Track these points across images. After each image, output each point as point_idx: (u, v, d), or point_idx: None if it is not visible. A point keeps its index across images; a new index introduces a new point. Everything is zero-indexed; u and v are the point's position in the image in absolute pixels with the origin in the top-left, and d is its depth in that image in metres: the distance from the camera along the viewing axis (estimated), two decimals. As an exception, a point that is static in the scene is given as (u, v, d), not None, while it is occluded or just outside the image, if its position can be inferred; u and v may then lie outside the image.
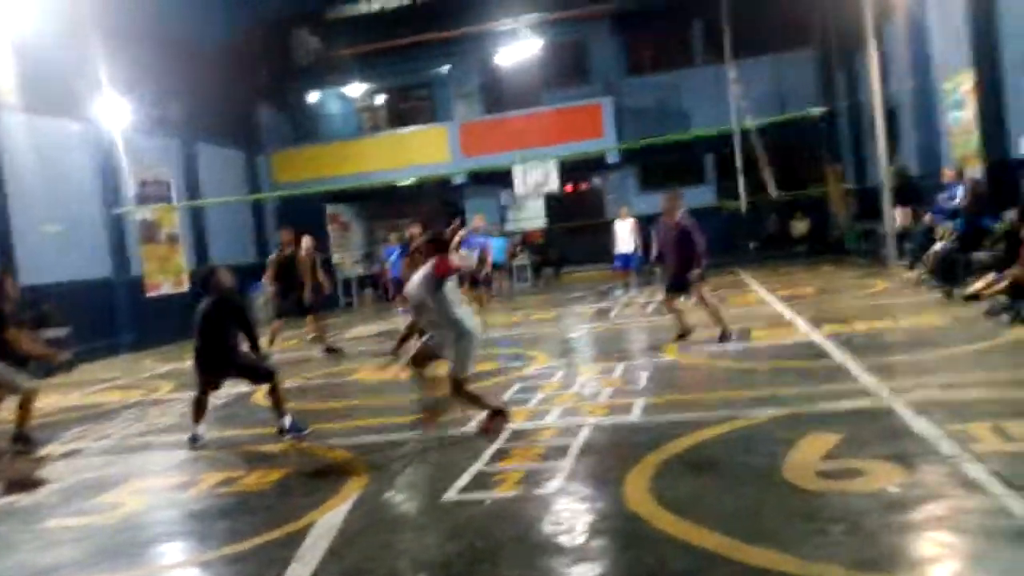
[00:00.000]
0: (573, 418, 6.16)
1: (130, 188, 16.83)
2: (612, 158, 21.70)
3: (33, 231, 14.05)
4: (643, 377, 7.44)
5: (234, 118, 21.67)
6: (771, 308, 11.36)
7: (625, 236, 15.26)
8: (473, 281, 13.33)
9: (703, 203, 21.75)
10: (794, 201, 20.84)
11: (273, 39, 23.30)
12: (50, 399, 9.73)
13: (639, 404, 6.34)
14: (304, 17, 24.16)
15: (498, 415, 5.99)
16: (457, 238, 13.07)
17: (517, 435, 5.83)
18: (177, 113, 19.03)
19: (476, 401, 6.05)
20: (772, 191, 16.54)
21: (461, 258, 12.81)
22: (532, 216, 24.41)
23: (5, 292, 7.58)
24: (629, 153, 21.58)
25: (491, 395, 6.44)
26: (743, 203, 19.37)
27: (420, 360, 6.22)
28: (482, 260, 13.36)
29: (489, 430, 5.89)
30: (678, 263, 9.04)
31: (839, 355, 7.38)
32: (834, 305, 10.86)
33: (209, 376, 6.77)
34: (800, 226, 21.45)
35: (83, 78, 15.41)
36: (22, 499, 5.72)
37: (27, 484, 6.21)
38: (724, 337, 8.87)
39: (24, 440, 7.40)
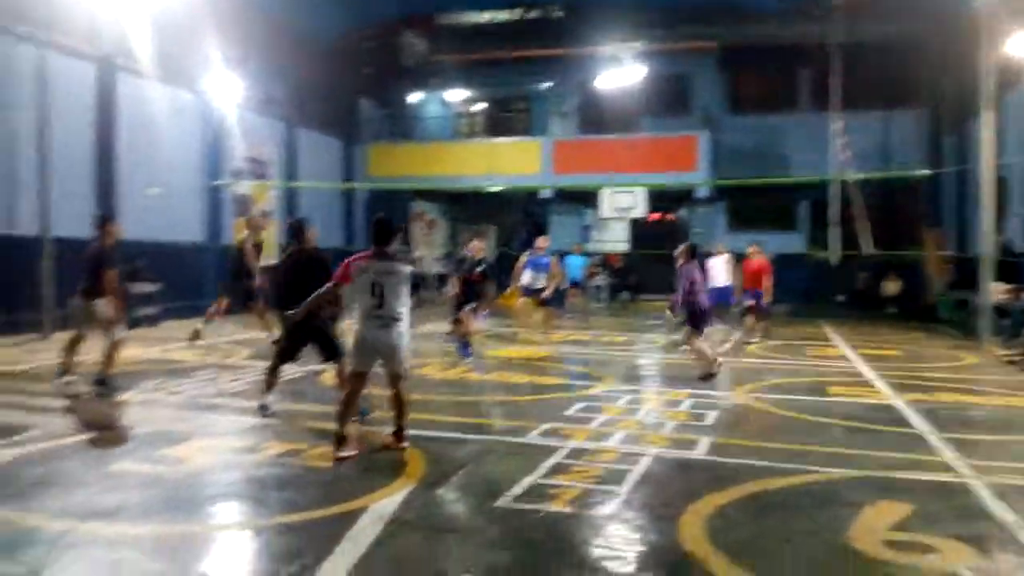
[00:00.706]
0: (635, 445, 6.07)
1: (232, 162, 17.45)
2: (703, 192, 21.41)
3: (137, 191, 14.68)
4: (711, 415, 7.28)
5: (337, 108, 22.27)
6: (852, 366, 10.99)
7: (719, 272, 14.80)
8: (542, 300, 13.26)
9: (792, 249, 21.32)
10: (888, 260, 20.16)
11: (383, 37, 23.86)
12: (132, 350, 10.11)
13: (704, 442, 6.21)
14: (415, 20, 24.67)
15: (341, 441, 5.60)
16: (522, 260, 12.98)
17: (576, 453, 5.79)
18: (284, 96, 19.65)
19: (346, 411, 5.76)
20: (866, 247, 15.99)
21: (529, 278, 12.88)
22: (614, 239, 24.29)
23: (109, 232, 8.02)
24: (721, 190, 21.29)
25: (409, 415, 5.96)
26: (834, 255, 18.84)
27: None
28: (552, 277, 13.25)
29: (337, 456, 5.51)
30: (683, 304, 9.78)
31: (920, 424, 7.08)
32: (919, 372, 10.42)
33: (293, 333, 6.77)
34: (891, 286, 20.71)
35: (201, 53, 16.08)
36: (96, 439, 5.96)
37: (102, 426, 6.48)
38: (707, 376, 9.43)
39: (105, 384, 7.76)
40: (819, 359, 11.71)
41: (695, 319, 9.71)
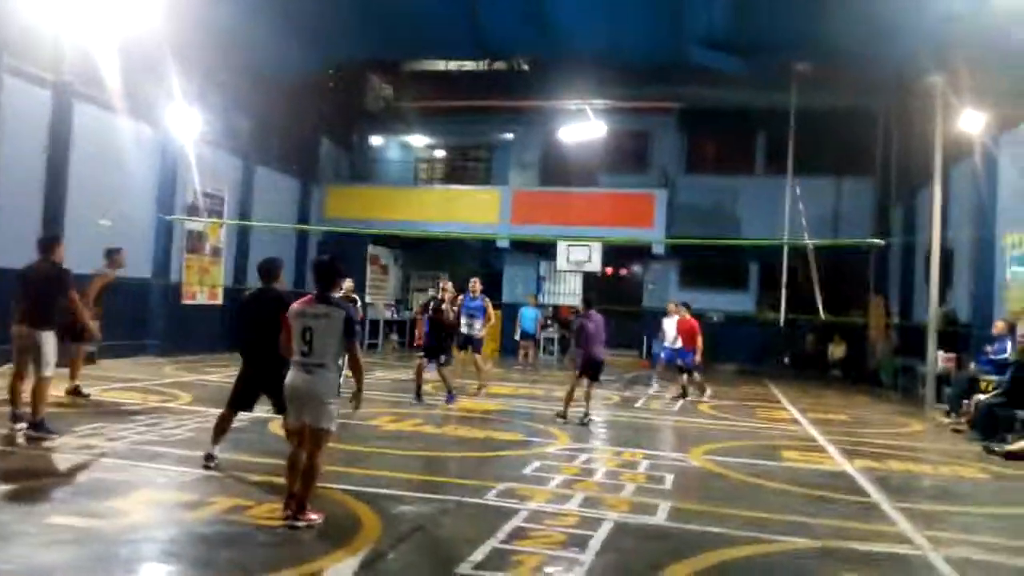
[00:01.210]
0: (595, 509, 5.94)
1: (186, 197, 17.10)
2: (658, 249, 21.70)
3: (86, 222, 14.22)
4: (668, 478, 7.21)
5: (296, 147, 22.06)
6: (803, 429, 11.07)
7: (671, 332, 14.88)
8: (465, 343, 13.04)
9: (741, 310, 21.64)
10: (833, 324, 20.60)
11: (347, 80, 23.89)
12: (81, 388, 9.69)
13: (664, 507, 6.12)
14: (381, 64, 24.78)
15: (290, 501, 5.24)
16: (456, 303, 12.95)
17: (536, 516, 5.64)
18: (244, 133, 19.43)
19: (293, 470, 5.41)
20: (821, 312, 16.28)
21: (464, 324, 12.77)
22: (567, 292, 24.39)
23: (58, 254, 7.70)
24: (675, 247, 21.60)
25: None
26: (782, 317, 19.18)
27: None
28: (488, 320, 13.22)
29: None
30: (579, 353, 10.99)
31: (873, 492, 7.11)
32: (868, 439, 10.54)
33: (251, 374, 6.49)
34: (837, 350, 21.15)
35: (161, 85, 15.83)
36: (30, 488, 5.62)
37: (37, 474, 6.12)
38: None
39: (39, 427, 7.34)
40: (770, 422, 11.79)
41: (586, 368, 10.65)
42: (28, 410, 7.52)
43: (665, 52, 18.63)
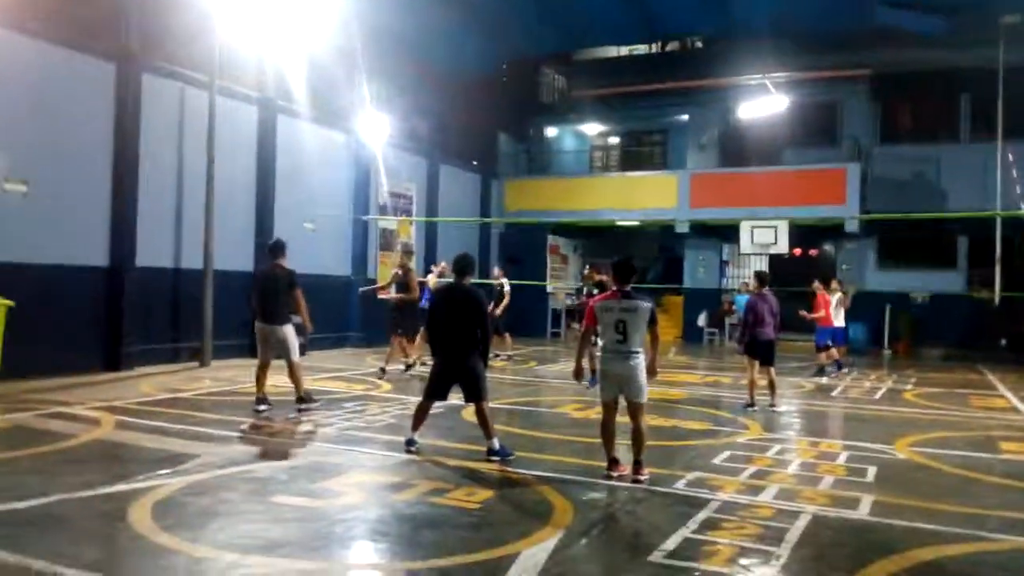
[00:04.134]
0: (790, 501, 5.75)
1: (378, 198, 18.17)
2: (851, 227, 20.42)
3: (291, 225, 15.46)
4: (871, 470, 6.83)
5: (476, 143, 22.79)
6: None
7: (833, 310, 14.56)
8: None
9: (949, 289, 19.99)
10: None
11: (522, 75, 24.36)
12: (283, 379, 10.59)
13: (867, 500, 5.81)
14: (553, 57, 25.05)
15: (612, 464, 6.33)
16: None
17: (728, 507, 5.55)
18: (428, 134, 20.35)
19: (606, 438, 6.52)
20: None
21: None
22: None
23: (285, 257, 8.87)
24: (871, 225, 20.25)
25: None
26: (997, 295, 17.51)
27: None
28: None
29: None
30: None
31: (1114, 490, 6.38)
32: (1105, 429, 9.44)
33: (443, 367, 6.86)
34: (1064, 330, 19.02)
35: (351, 95, 16.95)
36: (256, 470, 6.23)
37: (261, 456, 6.78)
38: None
39: (309, 400, 8.78)
40: (985, 410, 10.83)
41: (753, 349, 10.39)
42: (267, 395, 8.83)
43: (850, 16, 17.52)
